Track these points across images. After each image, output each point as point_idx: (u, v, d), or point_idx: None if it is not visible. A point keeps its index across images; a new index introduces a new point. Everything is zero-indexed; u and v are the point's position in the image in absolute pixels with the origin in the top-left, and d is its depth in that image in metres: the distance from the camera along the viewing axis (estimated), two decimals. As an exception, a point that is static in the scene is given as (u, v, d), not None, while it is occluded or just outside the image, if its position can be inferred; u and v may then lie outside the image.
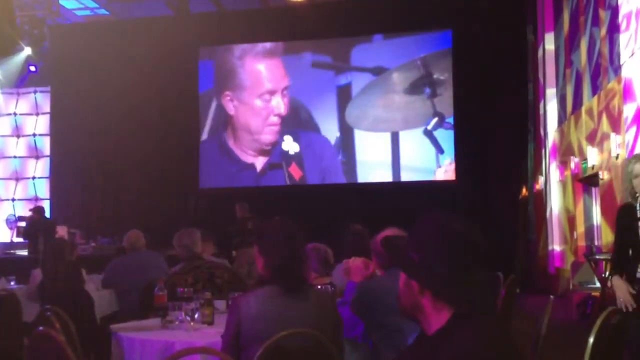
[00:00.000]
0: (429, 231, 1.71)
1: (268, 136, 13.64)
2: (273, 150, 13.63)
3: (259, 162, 13.69)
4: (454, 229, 1.68)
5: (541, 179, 12.07)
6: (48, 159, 15.07)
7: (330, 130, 13.49)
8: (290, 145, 13.57)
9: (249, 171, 13.68)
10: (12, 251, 11.73)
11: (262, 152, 13.71)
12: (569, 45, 10.68)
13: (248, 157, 13.75)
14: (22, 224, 12.14)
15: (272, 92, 13.64)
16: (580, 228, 10.05)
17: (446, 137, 12.96)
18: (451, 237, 1.67)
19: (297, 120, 13.59)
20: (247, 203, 11.06)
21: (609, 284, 4.28)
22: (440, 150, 12.99)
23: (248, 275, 8.89)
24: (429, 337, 1.69)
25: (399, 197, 12.38)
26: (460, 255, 1.66)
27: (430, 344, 1.66)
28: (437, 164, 12.99)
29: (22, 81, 14.43)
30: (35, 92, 15.41)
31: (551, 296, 3.69)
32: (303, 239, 2.98)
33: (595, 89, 9.15)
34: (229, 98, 13.87)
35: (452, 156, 12.88)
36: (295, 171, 13.50)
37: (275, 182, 13.52)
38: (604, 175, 8.50)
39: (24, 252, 10.88)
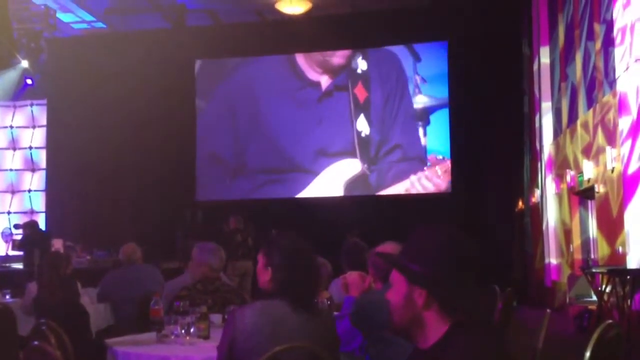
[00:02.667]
0: (432, 243, 1.71)
1: (337, 59, 13.70)
2: (340, 71, 13.66)
3: (325, 81, 13.68)
4: (456, 240, 1.69)
5: (537, 192, 12.09)
6: (44, 171, 15.05)
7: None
8: (359, 62, 13.61)
9: (312, 89, 13.69)
10: (7, 264, 11.68)
11: (329, 71, 13.70)
12: (564, 58, 10.72)
13: (314, 75, 13.75)
14: (18, 233, 12.10)
15: None
16: (577, 241, 10.05)
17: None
18: (454, 249, 1.68)
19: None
20: (241, 216, 11.09)
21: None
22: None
23: (239, 287, 8.88)
24: (427, 350, 1.68)
25: (394, 209, 12.39)
26: (462, 267, 1.67)
27: (429, 356, 1.66)
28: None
29: (19, 94, 14.42)
30: (31, 105, 15.41)
31: (548, 309, 3.69)
32: (315, 255, 2.95)
33: (590, 103, 9.18)
34: None
35: (448, 160, 12.95)
36: (360, 92, 13.47)
37: (338, 104, 13.51)
38: (600, 189, 8.51)
39: (19, 266, 10.83)
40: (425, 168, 13.09)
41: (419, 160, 13.10)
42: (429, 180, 12.97)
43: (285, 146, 13.62)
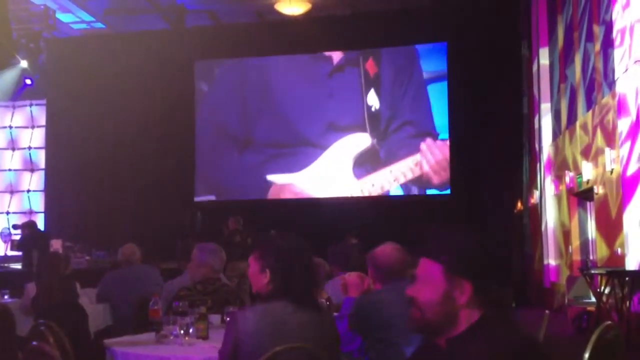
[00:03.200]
0: (468, 241, 1.76)
1: None
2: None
3: (336, 56, 13.70)
4: (484, 239, 1.76)
5: (536, 193, 12.09)
6: (43, 172, 15.04)
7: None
8: None
9: (325, 64, 13.69)
10: (6, 265, 11.67)
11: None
12: (563, 60, 10.73)
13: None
14: (17, 233, 12.10)
15: None
16: (575, 242, 10.05)
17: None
18: (487, 246, 1.75)
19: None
20: (241, 217, 11.08)
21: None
22: None
23: (237, 289, 8.87)
24: (449, 340, 1.71)
25: (394, 210, 12.39)
26: (494, 264, 1.75)
27: (454, 347, 1.69)
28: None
29: (18, 94, 14.43)
30: (30, 105, 15.42)
31: (546, 310, 3.69)
32: (312, 254, 2.96)
33: (589, 104, 9.18)
34: None
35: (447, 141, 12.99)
36: (371, 67, 13.48)
37: (348, 79, 13.51)
38: (599, 190, 8.52)
39: (18, 266, 10.83)
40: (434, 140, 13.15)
41: (427, 135, 13.11)
42: (440, 149, 12.96)
43: (295, 120, 13.62)
